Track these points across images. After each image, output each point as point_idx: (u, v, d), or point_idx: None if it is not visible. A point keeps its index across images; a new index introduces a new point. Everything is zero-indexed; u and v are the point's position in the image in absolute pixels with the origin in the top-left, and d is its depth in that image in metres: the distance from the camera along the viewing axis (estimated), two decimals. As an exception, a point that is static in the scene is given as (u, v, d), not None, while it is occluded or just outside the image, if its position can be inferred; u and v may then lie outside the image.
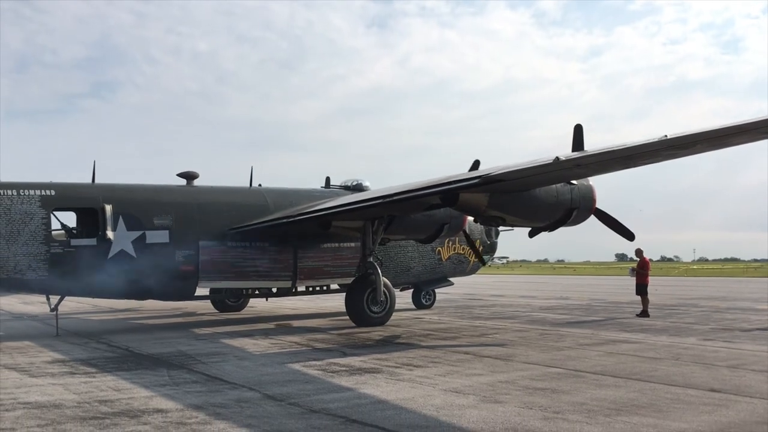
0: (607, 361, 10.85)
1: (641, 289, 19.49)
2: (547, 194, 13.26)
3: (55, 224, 15.34)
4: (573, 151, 12.55)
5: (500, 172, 11.75)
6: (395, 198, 13.81)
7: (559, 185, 13.37)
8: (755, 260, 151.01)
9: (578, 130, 12.88)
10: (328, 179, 20.19)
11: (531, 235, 14.66)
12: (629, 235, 14.96)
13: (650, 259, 21.30)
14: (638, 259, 20.08)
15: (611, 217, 14.66)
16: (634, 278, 19.99)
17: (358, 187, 19.41)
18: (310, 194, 18.60)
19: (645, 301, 19.29)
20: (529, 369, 10.07)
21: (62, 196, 15.42)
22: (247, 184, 18.48)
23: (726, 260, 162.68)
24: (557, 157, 11.04)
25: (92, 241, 15.29)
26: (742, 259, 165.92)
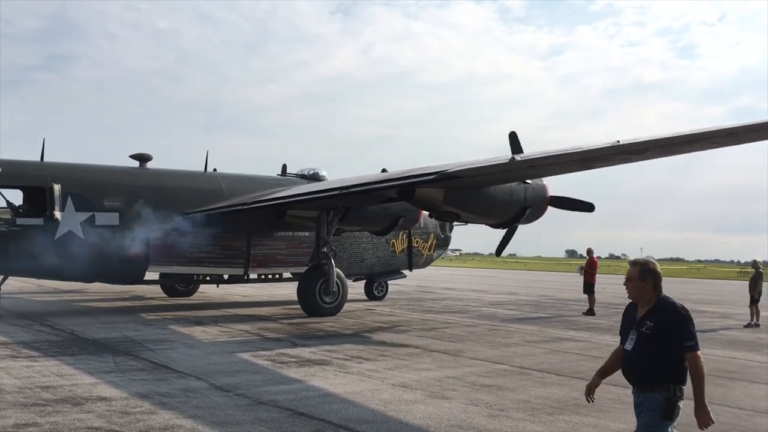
0: (552, 359, 11.08)
1: (588, 287, 19.92)
2: (501, 192, 13.44)
3: (1, 202, 14.90)
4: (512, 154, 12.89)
5: (457, 169, 11.87)
6: (352, 190, 13.81)
7: (513, 184, 13.57)
8: (699, 261, 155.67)
9: (513, 137, 13.93)
10: (284, 167, 20.05)
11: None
12: (589, 207, 14.94)
13: (599, 257, 21.80)
14: (587, 258, 20.53)
15: (566, 198, 14.74)
16: (582, 276, 20.43)
17: (315, 176, 19.34)
18: (266, 181, 18.44)
19: (591, 299, 19.73)
20: (477, 365, 10.22)
21: (9, 174, 14.97)
22: (202, 168, 18.22)
23: (671, 260, 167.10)
24: (513, 157, 11.21)
25: (39, 221, 14.90)
26: (686, 259, 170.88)
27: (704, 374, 4.37)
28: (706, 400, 4.36)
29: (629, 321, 4.69)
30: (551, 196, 14.33)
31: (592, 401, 4.97)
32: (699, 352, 4.36)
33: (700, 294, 32.62)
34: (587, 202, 14.91)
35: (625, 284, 4.68)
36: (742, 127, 8.92)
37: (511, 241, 15.27)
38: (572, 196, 14.79)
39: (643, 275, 4.56)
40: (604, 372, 4.92)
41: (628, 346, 4.59)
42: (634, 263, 4.67)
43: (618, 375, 10.01)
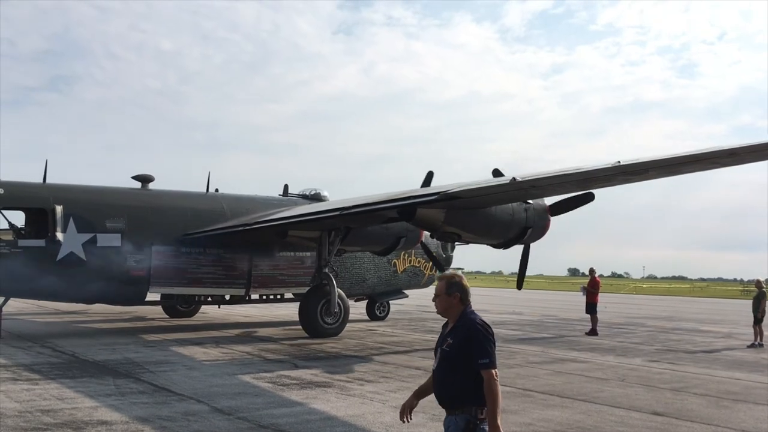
0: (555, 380, 11.01)
1: (591, 307, 19.86)
2: (502, 212, 13.44)
3: (2, 223, 14.95)
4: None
5: (458, 189, 11.88)
6: (353, 211, 13.83)
7: (514, 204, 13.57)
8: (702, 279, 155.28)
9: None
10: (286, 187, 20.10)
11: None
12: (589, 197, 14.06)
13: (601, 275, 21.78)
14: (590, 277, 20.51)
15: (563, 201, 14.30)
16: (585, 296, 20.38)
17: (317, 197, 19.39)
18: (268, 202, 18.48)
19: (594, 319, 19.66)
20: (479, 387, 10.13)
21: (11, 195, 15.03)
22: (204, 188, 18.27)
23: (674, 278, 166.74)
24: (514, 178, 11.21)
25: (41, 242, 14.92)
26: (688, 277, 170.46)
27: (498, 393, 4.02)
28: (499, 421, 3.96)
29: (439, 338, 4.44)
30: (550, 206, 14.29)
31: (408, 421, 4.46)
32: (495, 371, 4.07)
33: (703, 313, 32.46)
34: (585, 194, 14.37)
35: (433, 300, 4.47)
36: (742, 147, 8.96)
37: (514, 260, 15.22)
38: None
39: (450, 289, 4.38)
40: (420, 393, 4.51)
41: (435, 364, 4.32)
42: (441, 278, 4.47)
43: (622, 397, 9.97)
